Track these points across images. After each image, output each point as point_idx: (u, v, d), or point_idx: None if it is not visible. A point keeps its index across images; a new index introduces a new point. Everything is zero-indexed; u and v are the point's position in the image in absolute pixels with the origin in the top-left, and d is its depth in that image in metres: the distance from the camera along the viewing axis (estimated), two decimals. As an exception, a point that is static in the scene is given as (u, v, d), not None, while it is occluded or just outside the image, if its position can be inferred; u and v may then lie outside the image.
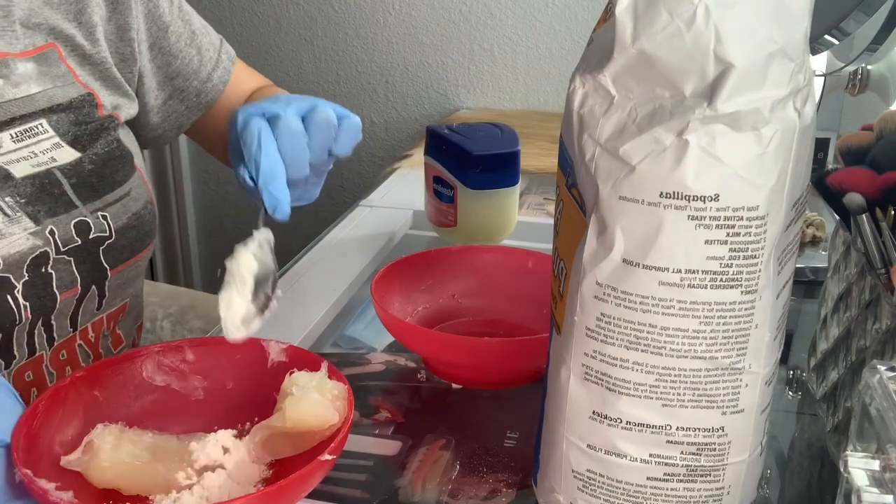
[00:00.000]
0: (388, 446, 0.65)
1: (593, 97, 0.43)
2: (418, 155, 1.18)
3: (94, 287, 0.73)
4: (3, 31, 0.71)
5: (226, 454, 0.58)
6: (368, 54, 1.78)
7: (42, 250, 0.67)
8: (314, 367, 0.59)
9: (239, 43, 1.84)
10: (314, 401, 0.55)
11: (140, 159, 0.81)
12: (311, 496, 0.59)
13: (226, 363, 0.64)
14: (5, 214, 0.66)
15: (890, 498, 0.37)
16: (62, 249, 0.69)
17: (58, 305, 0.69)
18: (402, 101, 1.80)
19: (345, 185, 1.86)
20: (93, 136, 0.75)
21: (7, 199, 0.67)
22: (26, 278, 0.66)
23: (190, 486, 0.56)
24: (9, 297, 0.65)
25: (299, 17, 1.79)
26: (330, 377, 0.58)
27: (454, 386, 0.74)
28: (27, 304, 0.67)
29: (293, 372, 0.58)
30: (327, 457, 0.53)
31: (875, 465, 0.39)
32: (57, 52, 0.74)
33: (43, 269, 0.68)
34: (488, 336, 0.71)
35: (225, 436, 0.59)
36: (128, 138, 0.80)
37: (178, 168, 1.91)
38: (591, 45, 0.45)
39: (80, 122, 0.74)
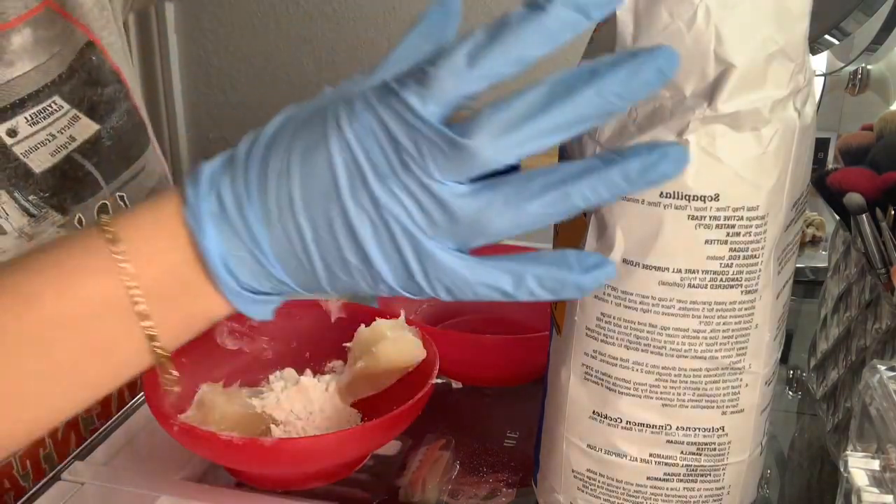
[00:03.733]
0: (388, 446, 0.65)
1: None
2: (418, 155, 1.18)
3: None
4: None
5: (317, 398, 0.64)
6: (368, 54, 1.78)
7: None
8: (368, 318, 0.66)
9: (239, 43, 1.84)
10: (408, 339, 0.63)
11: (150, 128, 0.80)
12: (311, 496, 0.59)
13: (287, 324, 0.70)
14: (31, 215, 0.65)
15: (890, 498, 0.37)
16: None
17: None
18: (402, 101, 1.80)
19: (345, 185, 1.85)
20: (109, 105, 0.73)
21: (31, 197, 0.66)
22: None
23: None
24: None
25: (299, 18, 1.79)
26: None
27: (454, 385, 0.74)
28: None
29: (363, 324, 0.66)
30: (437, 380, 0.61)
31: (875, 465, 0.39)
32: (53, 8, 0.71)
33: None
34: (491, 334, 0.72)
35: (315, 382, 0.65)
36: (139, 102, 0.78)
37: (178, 166, 1.91)
38: (590, 45, 0.45)
39: (91, 81, 0.72)
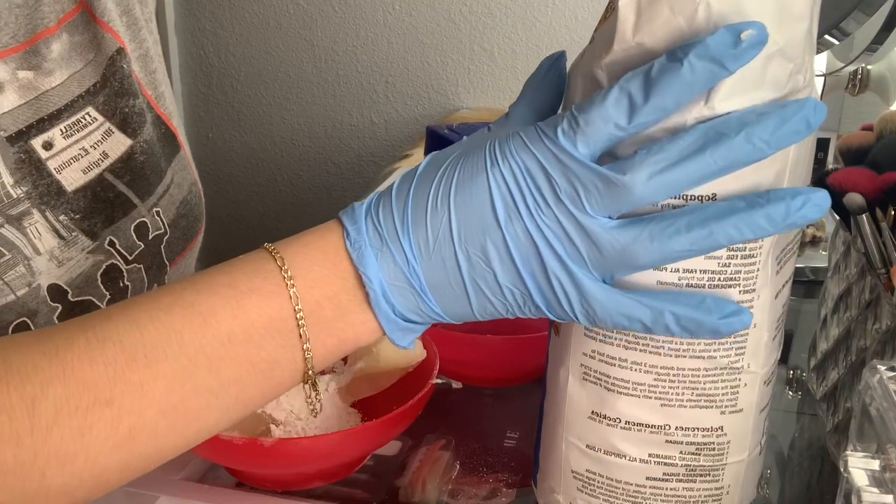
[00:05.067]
0: (388, 446, 0.65)
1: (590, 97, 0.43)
2: (418, 155, 1.18)
3: (155, 285, 0.71)
4: (36, 9, 0.64)
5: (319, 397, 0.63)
6: (368, 54, 1.78)
7: (108, 263, 0.65)
8: None
9: (239, 43, 1.84)
10: None
11: (184, 135, 0.77)
12: (311, 496, 0.60)
13: None
14: (61, 237, 0.62)
15: (890, 498, 0.37)
16: (130, 259, 0.67)
17: None
18: (402, 101, 1.80)
19: (345, 185, 1.86)
20: (140, 117, 0.70)
21: (62, 217, 0.63)
22: (109, 296, 0.64)
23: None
24: None
25: (299, 17, 1.79)
26: None
27: (454, 385, 0.74)
28: None
29: None
30: (437, 380, 0.61)
31: (875, 465, 0.39)
32: (87, 11, 0.68)
33: (121, 284, 0.66)
34: (492, 333, 0.72)
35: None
36: (172, 108, 0.76)
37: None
38: (591, 44, 0.44)
39: (122, 91, 0.69)
